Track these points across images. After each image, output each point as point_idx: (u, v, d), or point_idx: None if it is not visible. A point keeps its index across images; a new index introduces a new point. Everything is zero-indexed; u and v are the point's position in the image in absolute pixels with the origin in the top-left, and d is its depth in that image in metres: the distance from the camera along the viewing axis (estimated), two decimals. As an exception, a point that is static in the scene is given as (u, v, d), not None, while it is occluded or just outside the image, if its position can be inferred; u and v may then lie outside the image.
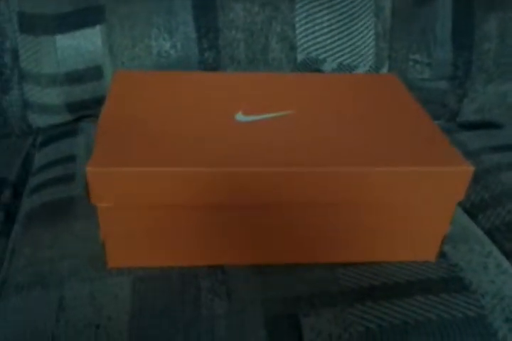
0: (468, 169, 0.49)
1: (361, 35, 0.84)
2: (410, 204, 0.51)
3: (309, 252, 0.53)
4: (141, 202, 0.46)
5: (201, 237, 0.50)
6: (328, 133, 0.52)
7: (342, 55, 0.83)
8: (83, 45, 0.76)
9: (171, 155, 0.47)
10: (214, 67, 0.79)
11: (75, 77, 0.77)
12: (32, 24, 0.76)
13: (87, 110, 0.80)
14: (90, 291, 0.48)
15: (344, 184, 0.48)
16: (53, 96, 0.78)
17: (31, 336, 0.44)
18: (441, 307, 0.49)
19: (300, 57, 0.82)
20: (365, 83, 0.65)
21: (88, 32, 0.76)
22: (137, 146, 0.48)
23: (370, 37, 0.84)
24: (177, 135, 0.50)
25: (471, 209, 0.68)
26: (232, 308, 0.47)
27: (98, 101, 0.79)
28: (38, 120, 0.81)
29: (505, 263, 0.56)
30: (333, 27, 0.82)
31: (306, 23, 0.81)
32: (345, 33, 0.82)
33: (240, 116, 0.55)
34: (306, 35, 0.81)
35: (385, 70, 0.87)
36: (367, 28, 0.84)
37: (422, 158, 0.49)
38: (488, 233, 0.63)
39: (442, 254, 0.55)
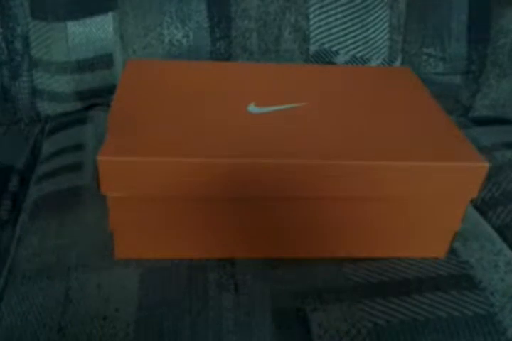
0: (483, 165, 0.48)
1: (375, 27, 0.82)
2: (423, 200, 0.50)
3: (319, 246, 0.52)
4: (152, 192, 0.46)
5: (211, 229, 0.50)
6: (341, 126, 0.52)
7: (355, 48, 0.82)
8: (94, 32, 0.76)
9: (182, 145, 0.46)
10: (226, 57, 0.79)
11: (85, 65, 0.77)
12: (43, 10, 0.76)
13: (97, 98, 0.80)
14: (97, 282, 0.47)
15: (357, 178, 0.47)
16: (63, 83, 0.78)
17: (38, 327, 0.44)
18: (451, 305, 0.48)
19: (313, 48, 0.81)
20: (380, 76, 0.64)
21: (100, 19, 0.75)
22: (148, 136, 0.47)
23: (384, 30, 0.83)
24: (189, 125, 0.49)
25: (482, 206, 0.67)
26: (239, 301, 0.47)
27: (108, 90, 0.79)
28: (47, 108, 0.80)
29: (516, 261, 0.55)
30: (347, 19, 0.81)
31: (320, 14, 0.80)
32: (359, 25, 0.81)
33: (252, 108, 0.54)
34: (320, 27, 0.80)
35: (398, 63, 0.86)
36: (381, 20, 0.83)
37: (436, 152, 0.49)
38: (499, 230, 0.62)
39: (452, 251, 0.55)
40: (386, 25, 0.83)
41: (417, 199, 0.50)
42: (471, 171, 0.48)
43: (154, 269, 0.49)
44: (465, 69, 0.85)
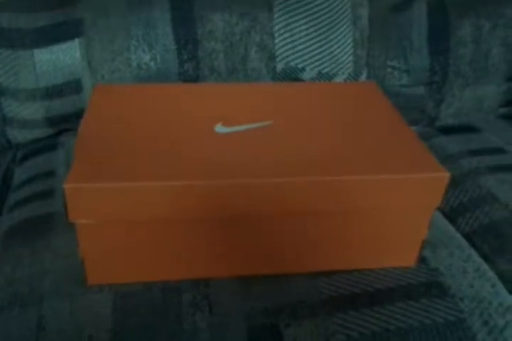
0: (444, 175, 0.49)
1: (339, 43, 0.84)
2: (388, 211, 0.52)
3: (291, 262, 0.53)
4: (120, 217, 0.46)
5: (182, 251, 0.50)
6: (306, 143, 0.53)
7: (321, 64, 0.83)
8: (62, 58, 0.76)
9: (149, 169, 0.47)
10: (194, 78, 0.80)
11: (54, 92, 0.77)
12: (9, 38, 0.76)
13: (67, 124, 0.80)
14: (70, 309, 0.47)
15: (322, 193, 0.48)
16: (32, 110, 0.78)
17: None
18: (422, 313, 0.49)
19: (279, 66, 0.82)
20: (344, 91, 0.65)
21: (66, 46, 0.76)
22: (116, 161, 0.48)
23: (348, 45, 0.85)
24: (156, 149, 0.50)
25: (451, 213, 0.69)
26: (214, 321, 0.47)
27: (78, 115, 0.79)
28: (18, 135, 0.80)
29: (484, 266, 0.57)
30: (311, 36, 0.83)
31: (285, 32, 0.82)
32: (324, 41, 0.83)
33: (219, 128, 0.55)
34: (285, 45, 0.82)
35: (363, 77, 0.88)
36: (345, 36, 0.85)
37: (398, 165, 0.50)
38: (467, 237, 0.64)
39: (422, 259, 0.56)
40: (350, 40, 0.85)
41: (383, 211, 0.51)
42: (433, 181, 0.50)
43: (128, 293, 0.49)
44: (428, 80, 0.87)
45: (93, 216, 0.46)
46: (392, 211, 0.52)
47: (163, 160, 0.48)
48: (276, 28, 0.82)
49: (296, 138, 0.54)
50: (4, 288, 0.50)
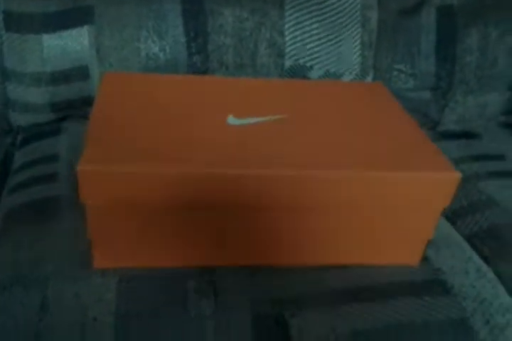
0: (455, 175, 0.50)
1: (348, 44, 0.85)
2: (396, 209, 0.52)
3: (298, 254, 0.53)
4: (130, 201, 0.46)
5: (189, 238, 0.50)
6: (317, 138, 0.53)
7: (329, 63, 0.84)
8: (70, 45, 0.76)
9: (161, 156, 0.47)
10: (203, 70, 0.80)
11: (60, 77, 0.76)
12: (18, 23, 0.76)
13: (71, 110, 0.80)
14: (75, 292, 0.47)
15: (332, 187, 0.49)
16: (37, 95, 0.77)
17: (15, 336, 0.43)
18: (425, 310, 0.49)
19: (288, 63, 0.83)
20: (355, 90, 0.66)
21: (75, 32, 0.76)
22: (127, 147, 0.47)
23: (356, 46, 0.86)
24: (167, 136, 0.50)
25: (452, 216, 0.69)
26: (219, 309, 0.47)
27: (83, 102, 0.79)
28: (20, 119, 0.80)
29: (484, 267, 0.57)
30: (321, 35, 0.83)
31: (295, 30, 0.82)
32: (333, 41, 0.84)
33: (231, 119, 0.55)
34: (295, 43, 0.82)
35: (369, 79, 0.88)
36: (353, 37, 0.85)
37: (410, 163, 0.50)
38: (467, 239, 0.64)
39: (425, 258, 0.56)
40: (358, 42, 0.86)
41: (391, 208, 0.51)
42: (444, 181, 0.50)
43: (132, 278, 0.49)
44: (434, 85, 0.88)
45: (103, 198, 0.46)
46: (401, 209, 0.52)
47: (174, 149, 0.48)
48: (287, 25, 0.82)
49: (305, 133, 0.54)
50: (6, 269, 0.50)
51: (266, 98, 0.61)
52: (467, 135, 0.88)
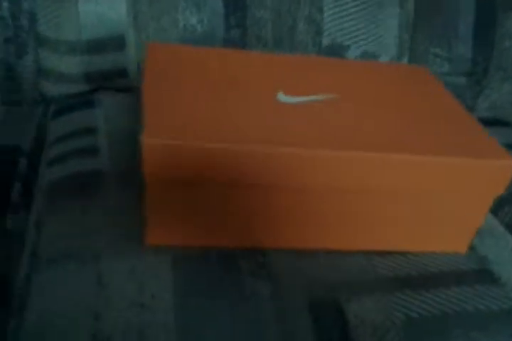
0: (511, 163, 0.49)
1: (386, 24, 0.83)
2: (448, 195, 0.51)
3: (346, 239, 0.53)
4: (191, 177, 0.45)
5: (243, 218, 0.49)
6: (369, 120, 0.52)
7: (367, 43, 0.82)
8: (107, 12, 0.73)
9: (220, 131, 0.46)
10: (240, 45, 0.78)
11: (96, 46, 0.74)
12: (53, -14, 0.73)
13: (104, 81, 0.78)
14: (129, 268, 0.46)
15: (384, 170, 0.48)
16: (72, 64, 0.75)
17: (75, 312, 0.42)
18: (477, 299, 0.49)
19: (325, 41, 0.81)
20: (404, 73, 0.64)
21: (113, -1, 0.73)
22: (187, 122, 0.46)
23: (393, 27, 0.84)
24: (223, 112, 0.49)
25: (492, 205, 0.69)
26: (275, 291, 0.46)
27: (118, 73, 0.77)
28: (52, 89, 0.77)
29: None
30: (359, 14, 0.81)
31: (334, 7, 0.80)
32: (371, 21, 0.82)
33: (281, 97, 0.54)
34: (333, 20, 0.80)
35: (405, 61, 0.87)
36: (392, 17, 0.83)
37: (466, 149, 0.49)
38: (508, 228, 0.64)
39: (471, 247, 0.56)
40: (396, 23, 0.84)
41: (442, 194, 0.51)
42: (499, 168, 0.49)
43: (186, 256, 0.48)
44: (470, 70, 0.86)
45: (166, 174, 0.44)
46: (452, 195, 0.51)
47: (232, 124, 0.47)
48: (326, 2, 0.80)
49: (357, 114, 0.53)
50: (55, 242, 0.49)
51: (315, 76, 0.60)
52: (500, 123, 0.88)
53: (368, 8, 0.82)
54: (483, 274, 0.53)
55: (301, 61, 0.64)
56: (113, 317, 0.42)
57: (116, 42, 0.74)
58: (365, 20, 0.81)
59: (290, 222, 0.51)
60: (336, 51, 0.82)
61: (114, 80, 0.77)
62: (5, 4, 0.72)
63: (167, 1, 0.74)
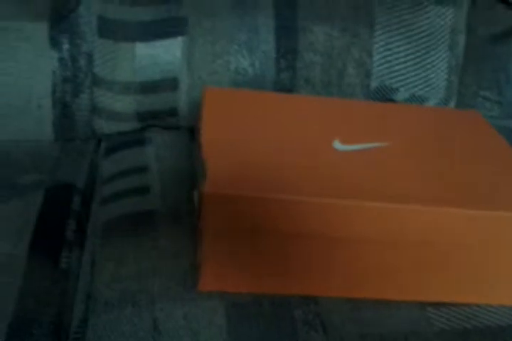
0: None
1: (435, 67, 0.83)
2: (501, 247, 0.50)
3: (400, 289, 0.51)
4: (248, 227, 0.45)
5: (296, 266, 0.49)
6: (423, 169, 0.52)
7: (415, 86, 0.82)
8: (162, 55, 0.76)
9: (277, 182, 0.46)
10: (289, 87, 0.79)
11: (149, 87, 0.76)
12: (112, 30, 0.76)
13: (155, 120, 0.80)
14: (184, 314, 0.46)
15: (438, 223, 0.48)
16: (125, 103, 0.77)
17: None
18: (539, 359, 0.47)
19: (374, 84, 0.81)
20: (455, 118, 0.65)
21: (169, 42, 0.76)
22: (243, 171, 0.47)
23: (443, 70, 0.84)
24: (281, 160, 0.50)
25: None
26: (329, 342, 0.45)
27: (168, 112, 0.79)
28: (104, 126, 0.80)
29: None
30: (409, 57, 0.81)
31: (384, 51, 0.81)
32: (420, 64, 0.82)
33: (337, 145, 0.55)
34: (383, 63, 0.81)
35: (452, 104, 0.87)
36: (441, 61, 0.84)
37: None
38: None
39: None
40: (445, 66, 0.84)
41: (495, 246, 0.50)
42: None
43: (238, 303, 0.48)
44: (520, 114, 0.85)
45: (224, 223, 0.45)
46: (505, 248, 0.50)
47: (290, 173, 0.48)
48: (376, 46, 0.81)
49: (410, 162, 0.53)
50: (111, 285, 0.49)
51: (367, 122, 0.60)
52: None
53: (417, 51, 0.82)
54: (544, 331, 0.50)
55: (352, 106, 0.65)
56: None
57: (169, 84, 0.77)
58: (415, 64, 0.82)
59: (345, 272, 0.50)
60: (385, 94, 0.82)
61: (164, 119, 0.79)
62: (65, 46, 0.75)
63: (221, 45, 0.76)
